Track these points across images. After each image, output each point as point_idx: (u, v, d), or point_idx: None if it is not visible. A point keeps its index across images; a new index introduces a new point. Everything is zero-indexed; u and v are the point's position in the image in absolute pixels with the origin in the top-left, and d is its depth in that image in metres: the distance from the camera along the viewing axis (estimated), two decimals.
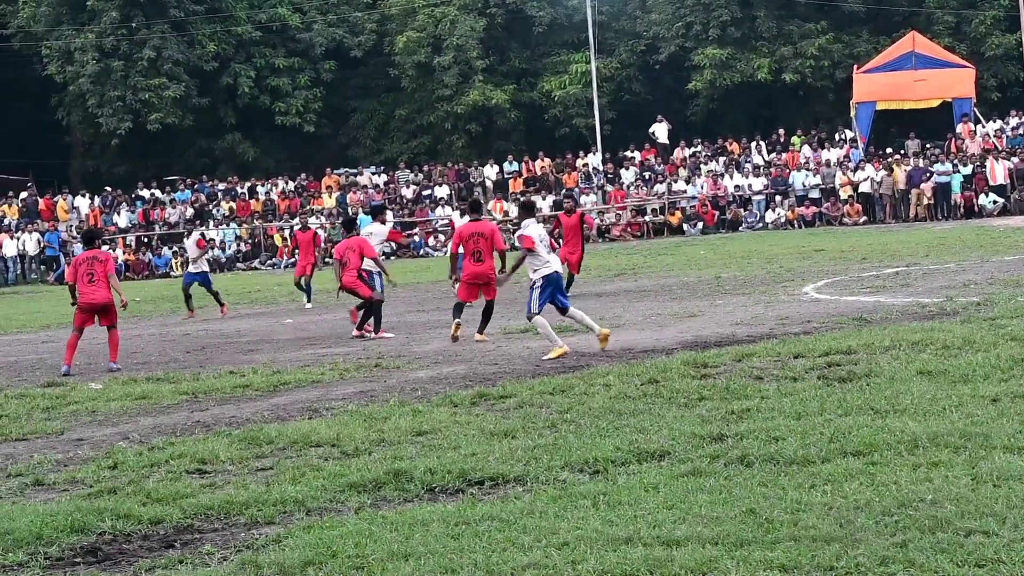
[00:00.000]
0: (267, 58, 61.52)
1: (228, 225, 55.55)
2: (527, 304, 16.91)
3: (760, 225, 49.71)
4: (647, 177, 54.09)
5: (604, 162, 55.85)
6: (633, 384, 13.01)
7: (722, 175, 52.30)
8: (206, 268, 29.26)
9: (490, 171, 56.92)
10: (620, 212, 52.56)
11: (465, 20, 59.18)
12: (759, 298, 22.35)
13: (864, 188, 48.74)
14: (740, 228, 49.75)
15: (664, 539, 7.40)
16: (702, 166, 53.46)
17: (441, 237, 50.31)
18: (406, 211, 53.80)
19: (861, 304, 19.84)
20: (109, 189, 58.63)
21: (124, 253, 52.61)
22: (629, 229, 51.56)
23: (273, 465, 10.50)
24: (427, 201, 54.32)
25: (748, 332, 17.37)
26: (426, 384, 14.59)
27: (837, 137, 53.68)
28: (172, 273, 51.07)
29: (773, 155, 53.29)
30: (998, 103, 54.74)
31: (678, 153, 55.26)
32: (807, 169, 50.86)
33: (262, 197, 57.29)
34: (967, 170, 47.46)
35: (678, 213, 51.67)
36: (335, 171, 58.76)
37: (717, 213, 50.92)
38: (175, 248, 53.17)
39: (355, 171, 59.29)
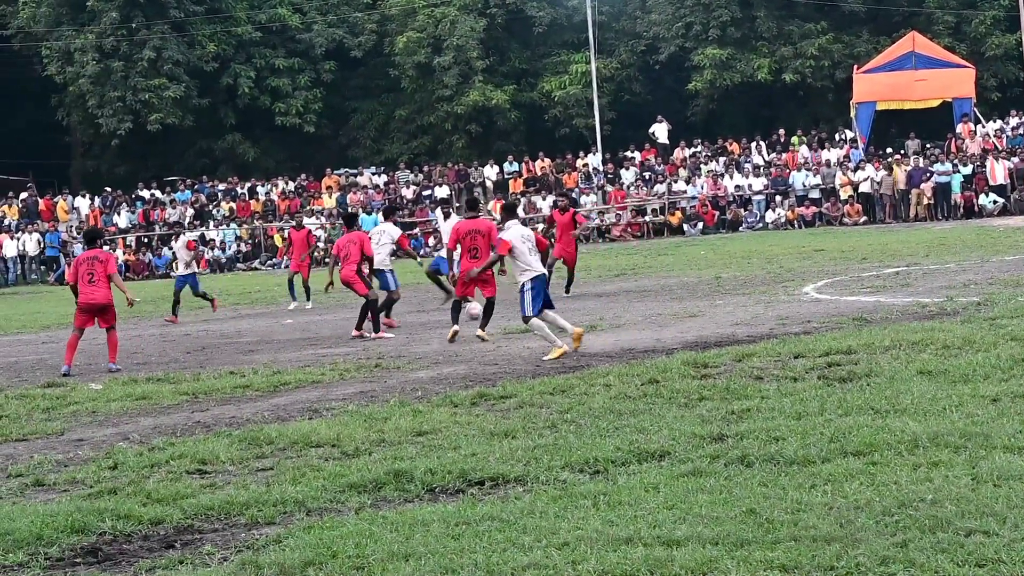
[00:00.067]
0: (267, 58, 61.52)
1: (228, 225, 55.55)
2: (520, 308, 16.87)
3: (760, 225, 49.70)
4: (647, 177, 54.08)
5: (604, 162, 55.85)
6: (633, 384, 13.01)
7: (722, 175, 52.30)
8: (195, 270, 29.08)
9: (490, 171, 56.92)
10: (620, 212, 52.56)
11: (465, 20, 59.18)
12: (759, 298, 22.35)
13: (864, 188, 48.74)
14: (740, 228, 49.73)
15: (664, 539, 7.40)
16: (702, 166, 53.45)
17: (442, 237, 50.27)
18: (406, 211, 53.79)
19: (861, 304, 19.84)
20: (109, 189, 58.64)
21: (124, 253, 52.60)
22: (629, 229, 51.55)
23: (273, 465, 10.50)
24: (427, 201, 54.31)
25: (748, 332, 17.37)
26: (426, 384, 14.59)
27: (837, 137, 53.67)
28: (172, 273, 50.97)
29: (773, 155, 53.29)
30: (998, 103, 54.73)
31: (678, 153, 55.25)
32: (807, 169, 50.85)
33: (262, 197, 57.30)
34: (967, 170, 47.46)
35: (678, 213, 51.66)
36: (335, 171, 58.76)
37: (717, 213, 50.91)
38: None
39: (355, 171, 59.29)
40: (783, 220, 49.41)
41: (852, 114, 52.35)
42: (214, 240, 54.44)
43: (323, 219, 53.66)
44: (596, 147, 56.79)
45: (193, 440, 11.80)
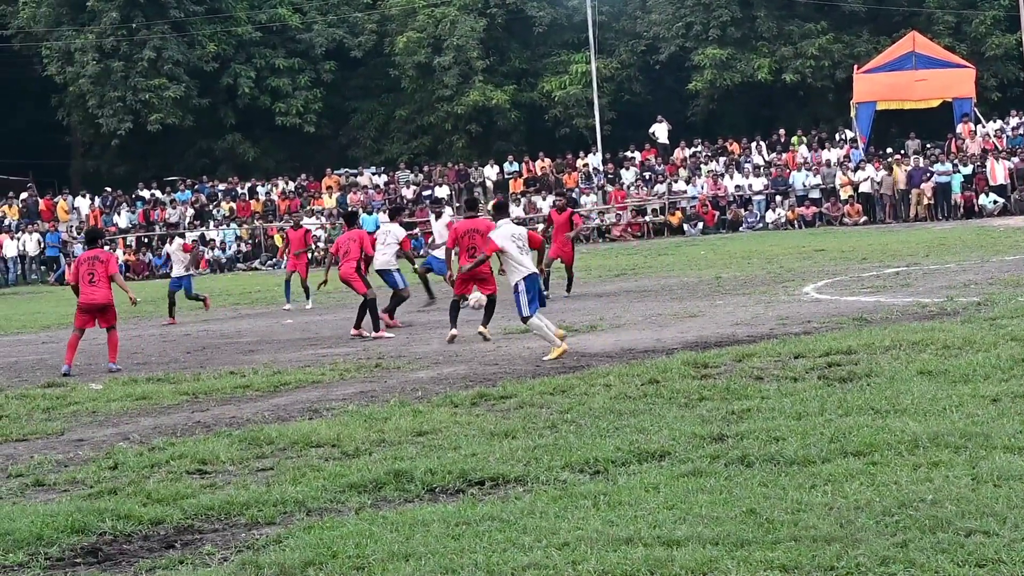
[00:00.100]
0: (267, 58, 61.53)
1: (228, 225, 55.56)
2: (517, 309, 16.79)
3: (760, 225, 49.70)
4: (647, 177, 54.09)
5: (604, 162, 55.86)
6: (633, 384, 13.01)
7: (722, 175, 52.30)
8: (191, 272, 28.99)
9: (490, 171, 56.94)
10: (620, 212, 52.56)
11: (465, 20, 59.19)
12: (759, 298, 22.35)
13: (864, 188, 48.75)
14: (740, 228, 49.74)
15: (664, 539, 7.40)
16: (702, 166, 53.46)
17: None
18: (406, 211, 53.77)
19: (861, 304, 19.84)
20: (109, 189, 58.64)
21: (124, 253, 52.59)
22: (629, 229, 51.56)
23: (273, 465, 10.50)
24: (427, 201, 54.33)
25: (748, 332, 17.37)
26: (426, 384, 14.59)
27: (837, 137, 53.68)
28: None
29: (773, 155, 53.29)
30: (998, 103, 54.74)
31: (678, 153, 55.26)
32: (807, 169, 50.86)
33: (262, 197, 57.31)
34: (967, 170, 47.47)
35: (678, 213, 51.67)
36: (335, 171, 58.78)
37: (717, 213, 50.92)
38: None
39: (355, 171, 59.31)
40: (783, 220, 49.42)
41: (852, 114, 52.35)
42: (214, 240, 54.44)
43: (323, 219, 53.67)
44: (596, 147, 56.80)
45: (193, 440, 11.80)
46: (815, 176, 50.40)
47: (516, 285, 16.77)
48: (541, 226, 35.09)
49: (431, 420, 11.85)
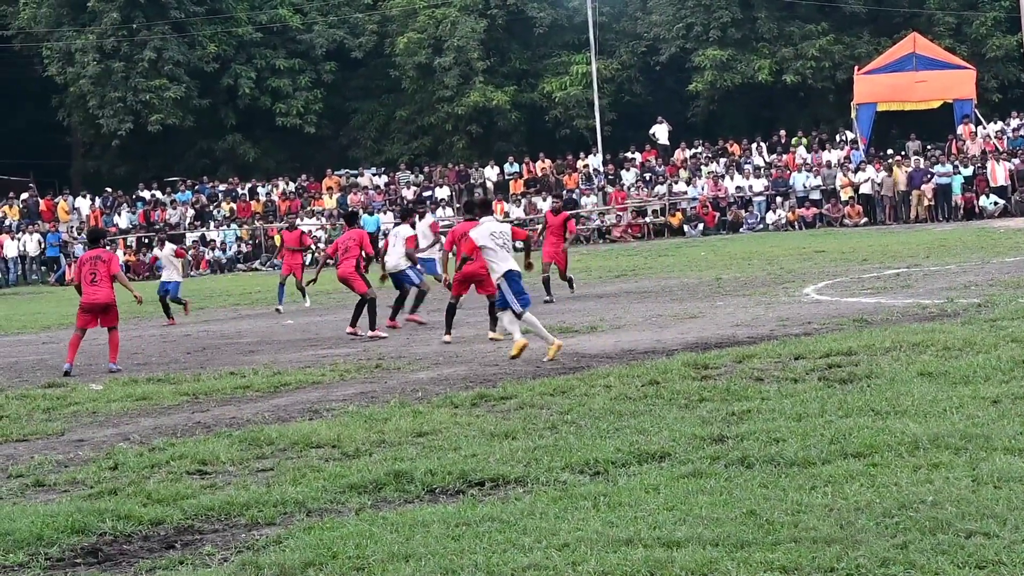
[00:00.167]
0: (268, 59, 61.54)
1: (229, 226, 55.56)
2: (508, 306, 16.72)
3: (761, 226, 49.71)
4: (648, 178, 54.09)
5: (605, 163, 55.87)
6: (634, 385, 13.01)
7: (723, 176, 52.31)
8: (179, 278, 28.93)
9: (491, 172, 56.95)
10: (621, 213, 52.57)
11: (466, 21, 59.19)
12: (760, 299, 22.35)
13: (865, 189, 48.77)
14: (741, 229, 49.74)
15: (665, 540, 7.40)
16: (703, 167, 53.46)
17: (441, 238, 50.29)
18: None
19: (862, 305, 19.84)
20: (110, 190, 58.65)
21: (125, 254, 52.60)
22: (630, 230, 51.57)
23: (274, 466, 10.50)
24: (427, 202, 54.33)
25: (749, 333, 17.37)
26: (427, 385, 14.59)
27: (838, 138, 53.68)
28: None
29: (774, 156, 53.30)
30: (999, 104, 54.75)
31: (679, 154, 55.25)
32: (807, 170, 50.86)
33: (263, 198, 57.31)
34: (968, 171, 47.49)
35: (679, 214, 51.67)
36: (336, 172, 58.80)
37: (718, 214, 50.93)
38: (182, 246, 53.13)
39: (356, 172, 59.33)
40: (784, 221, 49.43)
41: (853, 115, 52.38)
42: (214, 241, 54.45)
43: (323, 219, 53.67)
44: (596, 148, 56.80)
45: (193, 441, 11.80)
46: (815, 177, 50.41)
47: (498, 284, 16.77)
48: (540, 226, 35.00)
49: (431, 421, 11.85)
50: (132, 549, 8.36)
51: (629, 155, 56.26)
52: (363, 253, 22.13)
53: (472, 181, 56.52)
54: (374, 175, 58.65)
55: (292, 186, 58.13)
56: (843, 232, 44.82)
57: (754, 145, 54.22)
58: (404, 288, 22.89)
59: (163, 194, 58.06)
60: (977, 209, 46.42)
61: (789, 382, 12.60)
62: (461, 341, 18.92)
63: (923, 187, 47.37)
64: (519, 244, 20.18)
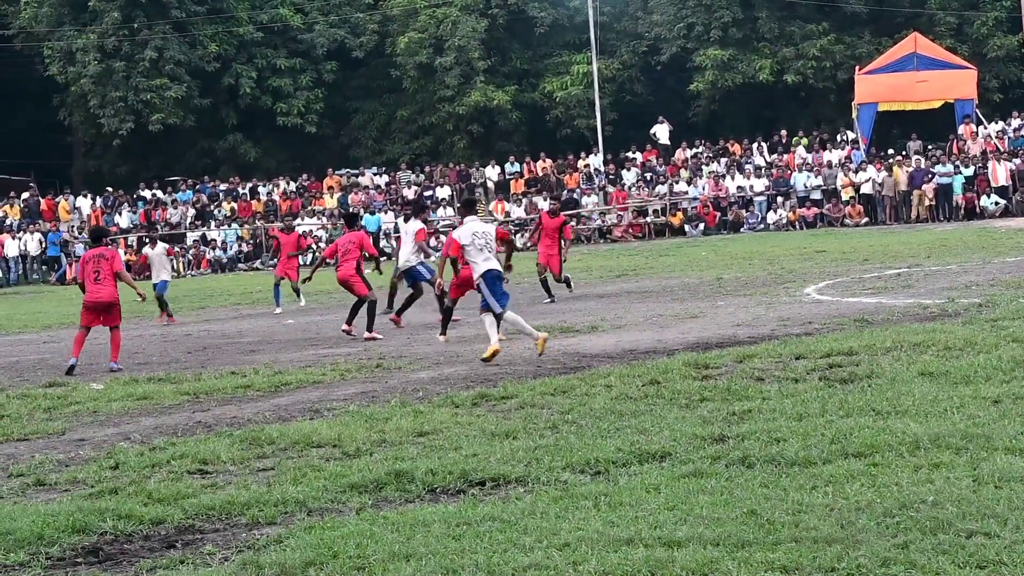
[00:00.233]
0: (269, 59, 61.53)
1: (229, 226, 55.56)
2: (488, 307, 16.71)
3: (761, 226, 49.71)
4: (648, 178, 54.09)
5: (606, 163, 55.86)
6: (634, 385, 13.01)
7: (724, 176, 52.31)
8: (167, 277, 28.90)
9: (491, 172, 56.96)
10: (621, 213, 52.57)
11: (467, 21, 59.18)
12: (760, 299, 22.35)
13: (866, 189, 48.78)
14: (741, 229, 49.74)
15: (665, 540, 7.40)
16: (703, 167, 53.46)
17: (442, 238, 50.32)
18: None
19: (863, 305, 19.84)
20: (111, 189, 58.66)
21: (126, 254, 52.62)
22: (631, 230, 51.57)
23: (274, 465, 10.50)
24: (428, 202, 54.34)
25: (749, 333, 17.37)
26: (427, 385, 14.59)
27: (839, 138, 53.68)
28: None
29: (774, 156, 53.30)
30: (1000, 104, 54.73)
31: (679, 154, 55.25)
32: (808, 170, 50.86)
33: (263, 198, 57.33)
34: (969, 171, 47.49)
35: (679, 214, 51.67)
36: (337, 172, 58.80)
37: (718, 214, 50.93)
38: (177, 248, 53.18)
39: (357, 172, 59.32)
40: (784, 221, 49.43)
41: (854, 115, 52.39)
42: (215, 240, 54.45)
43: (324, 219, 53.67)
44: (597, 148, 56.79)
45: (194, 440, 11.81)
46: (816, 177, 50.40)
47: (478, 285, 16.78)
48: (534, 227, 34.75)
49: (432, 420, 11.85)
50: (133, 548, 8.36)
51: (630, 155, 56.26)
52: (364, 255, 22.13)
53: (473, 181, 56.53)
54: (375, 175, 58.65)
55: (293, 186, 58.15)
56: (844, 232, 44.82)
57: (755, 145, 54.23)
58: (418, 285, 22.82)
59: (164, 194, 58.07)
60: (978, 209, 46.42)
61: (790, 382, 12.60)
62: (462, 341, 18.92)
63: (924, 187, 47.37)
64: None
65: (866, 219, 48.07)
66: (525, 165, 56.84)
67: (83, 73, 59.69)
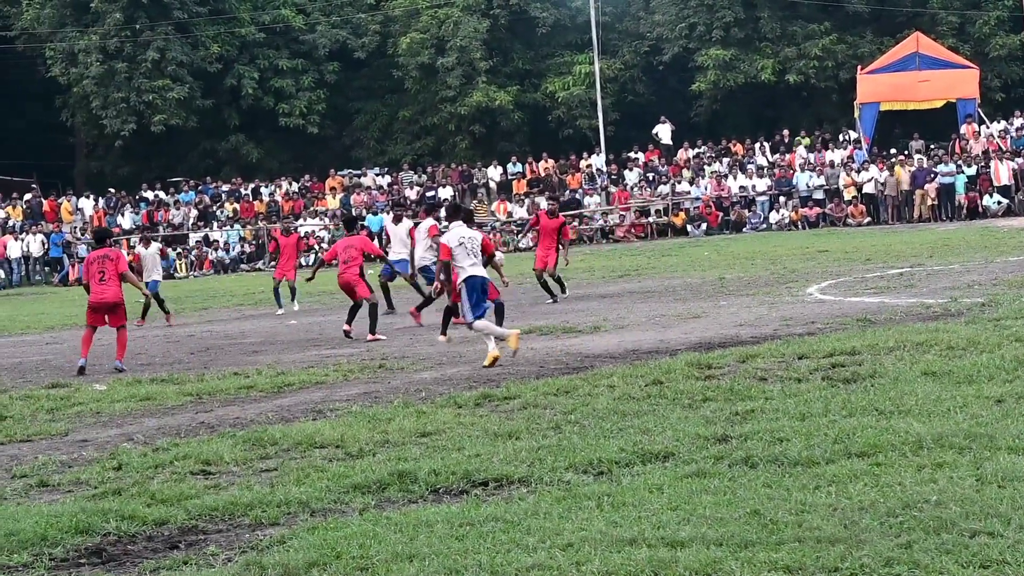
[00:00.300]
0: (271, 59, 61.54)
1: (232, 226, 55.57)
2: (463, 314, 16.78)
3: (764, 226, 49.70)
4: (651, 178, 54.08)
5: (608, 163, 55.86)
6: (637, 385, 13.00)
7: (726, 176, 52.30)
8: (158, 277, 28.88)
9: (494, 172, 56.96)
10: (624, 213, 52.56)
11: (468, 21, 59.19)
12: (763, 299, 22.34)
13: (868, 189, 48.76)
14: (744, 229, 49.73)
15: (668, 540, 7.40)
16: (706, 167, 53.45)
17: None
18: (409, 212, 53.79)
19: (865, 305, 19.83)
20: (113, 190, 58.69)
21: (128, 254, 52.58)
22: (633, 230, 51.56)
23: (277, 466, 10.50)
24: (431, 202, 54.33)
25: (752, 333, 17.36)
26: (430, 385, 14.59)
27: (841, 138, 53.66)
28: (176, 275, 51.11)
29: (777, 156, 53.28)
30: (1002, 104, 54.71)
31: (682, 154, 55.24)
32: (810, 170, 50.85)
33: (266, 198, 57.33)
34: (971, 171, 47.46)
35: (682, 214, 51.65)
36: (339, 172, 58.81)
37: (721, 214, 50.92)
38: (179, 249, 53.22)
39: (359, 172, 59.34)
40: (787, 221, 49.41)
41: (856, 115, 52.37)
42: (218, 241, 54.46)
43: (326, 220, 53.66)
44: (600, 148, 56.79)
45: (197, 441, 11.81)
46: (819, 177, 50.38)
47: (460, 290, 16.79)
48: (529, 226, 34.59)
49: (435, 421, 11.85)
50: (136, 549, 8.37)
51: (632, 155, 56.25)
52: (369, 257, 22.20)
53: (475, 181, 56.55)
54: (377, 175, 58.67)
55: (295, 186, 58.16)
56: (846, 232, 44.80)
57: (757, 145, 54.22)
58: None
59: (166, 194, 58.08)
60: (980, 208, 46.37)
61: (793, 382, 12.59)
62: (465, 341, 18.91)
63: (926, 187, 47.34)
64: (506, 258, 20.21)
65: (868, 219, 48.05)
66: (527, 165, 56.84)
67: (85, 74, 59.71)
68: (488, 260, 18.47)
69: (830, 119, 57.00)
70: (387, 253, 25.59)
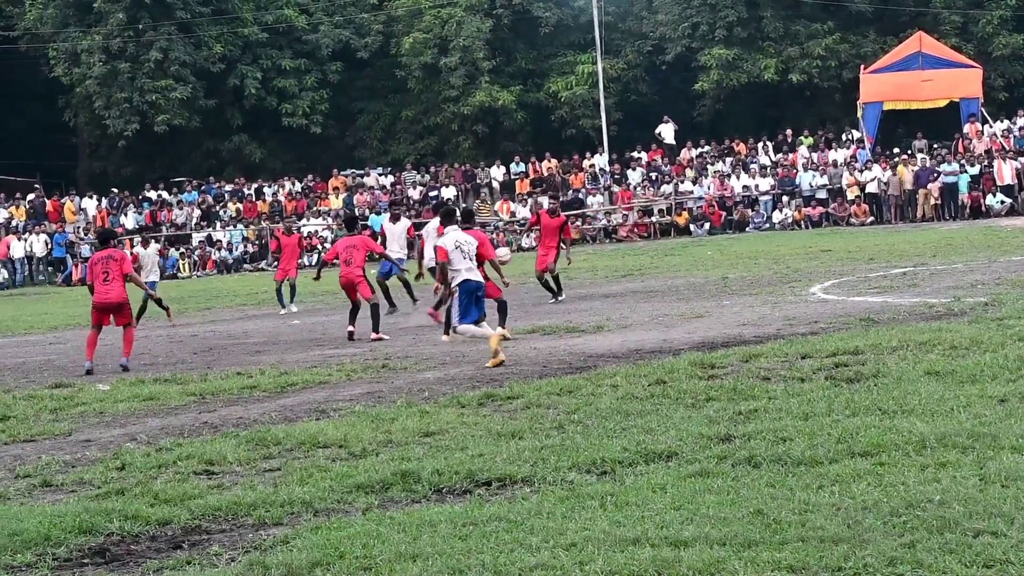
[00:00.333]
0: (273, 59, 61.54)
1: (235, 226, 55.60)
2: (451, 316, 16.84)
3: (767, 226, 49.68)
4: (654, 178, 54.07)
5: (611, 163, 55.86)
6: (640, 385, 13.00)
7: (729, 176, 52.29)
8: (155, 278, 28.86)
9: (497, 172, 56.95)
10: (627, 213, 52.56)
11: (471, 21, 59.18)
12: (766, 299, 22.33)
13: (871, 188, 48.74)
14: (747, 229, 49.72)
15: (672, 540, 7.40)
16: (709, 167, 53.44)
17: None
18: (412, 212, 53.85)
19: (868, 304, 19.82)
20: (116, 190, 58.70)
21: (131, 255, 52.61)
22: (636, 230, 51.56)
23: (280, 466, 10.50)
24: (433, 202, 54.34)
25: (755, 333, 17.36)
26: (433, 385, 14.59)
27: (844, 137, 53.63)
28: (179, 275, 51.12)
29: (780, 156, 53.27)
30: (1005, 103, 54.65)
31: (684, 154, 55.23)
32: (813, 169, 50.83)
33: (269, 198, 57.36)
34: (974, 170, 47.43)
35: (685, 214, 51.64)
36: (342, 172, 58.81)
37: (724, 214, 50.89)
38: (182, 249, 53.23)
39: (362, 172, 59.33)
40: (790, 220, 49.39)
41: (859, 114, 52.34)
42: (221, 241, 54.49)
43: (329, 220, 53.67)
44: (602, 147, 56.78)
45: (200, 441, 11.82)
46: (822, 176, 50.36)
47: (453, 291, 16.80)
48: (529, 225, 34.52)
49: (438, 421, 11.85)
50: (139, 549, 8.37)
51: (635, 154, 56.22)
52: (372, 256, 22.26)
53: (478, 181, 56.56)
54: (380, 175, 58.67)
55: (298, 186, 58.17)
56: (849, 231, 44.79)
57: (760, 144, 54.20)
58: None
59: (169, 195, 58.09)
60: (984, 208, 46.36)
61: (796, 381, 12.59)
62: (468, 341, 18.90)
63: (929, 186, 47.31)
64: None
65: (871, 218, 48.03)
66: (530, 165, 56.82)
67: (88, 74, 59.72)
68: (481, 263, 18.51)
69: (833, 119, 56.96)
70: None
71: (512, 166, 57.02)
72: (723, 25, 56.97)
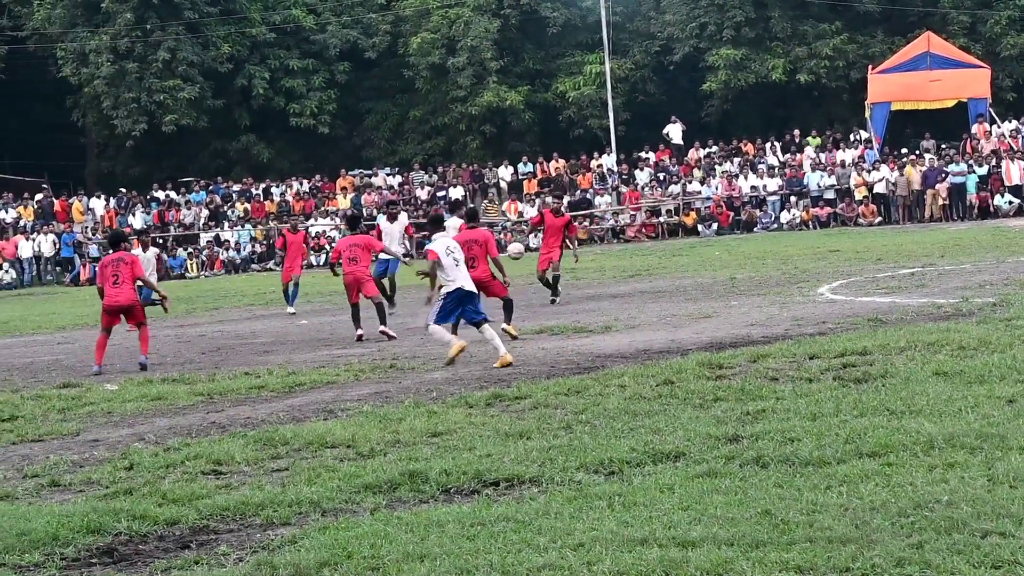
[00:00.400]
0: (281, 59, 61.57)
1: (243, 226, 55.64)
2: (430, 313, 16.81)
3: (775, 226, 49.65)
4: (661, 178, 54.06)
5: (618, 163, 55.84)
6: (648, 385, 13.00)
7: (736, 176, 52.26)
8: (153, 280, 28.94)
9: (504, 172, 56.97)
10: (635, 213, 52.54)
11: (479, 21, 59.17)
12: (774, 299, 22.31)
13: (879, 189, 48.70)
14: (755, 229, 49.68)
15: (679, 540, 7.40)
16: (716, 167, 53.42)
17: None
18: (420, 212, 53.86)
19: (876, 305, 19.80)
20: (124, 190, 58.74)
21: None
22: (643, 230, 51.54)
23: (288, 466, 10.51)
24: (441, 202, 54.34)
25: (763, 333, 17.35)
26: (441, 385, 14.60)
27: (852, 138, 53.59)
28: (187, 274, 51.16)
29: (787, 156, 53.23)
30: (1014, 103, 54.58)
31: (692, 154, 55.21)
32: (821, 169, 50.79)
33: (277, 198, 57.39)
34: (982, 170, 47.38)
35: (693, 214, 51.62)
36: (350, 172, 58.84)
37: (732, 214, 50.87)
38: (190, 249, 53.26)
39: (370, 172, 59.36)
40: (798, 221, 49.36)
41: (867, 114, 52.30)
42: (229, 241, 54.52)
43: (337, 220, 53.67)
44: (610, 148, 56.76)
45: (208, 441, 11.83)
46: (830, 177, 50.33)
47: (441, 296, 16.77)
48: (531, 225, 34.51)
49: (446, 421, 11.85)
50: (147, 549, 8.38)
51: (643, 155, 56.23)
52: (376, 255, 22.27)
53: (486, 181, 56.57)
54: (388, 175, 58.68)
55: (306, 186, 58.21)
56: (857, 231, 44.74)
57: (768, 144, 54.16)
58: None
59: (177, 194, 58.15)
60: (992, 208, 46.31)
61: (804, 382, 12.58)
62: (476, 341, 18.91)
63: (937, 186, 47.27)
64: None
65: (879, 218, 47.99)
66: (538, 165, 56.84)
67: (96, 74, 59.77)
68: (495, 265, 18.52)
69: (841, 119, 56.92)
70: None
71: (520, 166, 57.03)
72: (731, 25, 56.93)
